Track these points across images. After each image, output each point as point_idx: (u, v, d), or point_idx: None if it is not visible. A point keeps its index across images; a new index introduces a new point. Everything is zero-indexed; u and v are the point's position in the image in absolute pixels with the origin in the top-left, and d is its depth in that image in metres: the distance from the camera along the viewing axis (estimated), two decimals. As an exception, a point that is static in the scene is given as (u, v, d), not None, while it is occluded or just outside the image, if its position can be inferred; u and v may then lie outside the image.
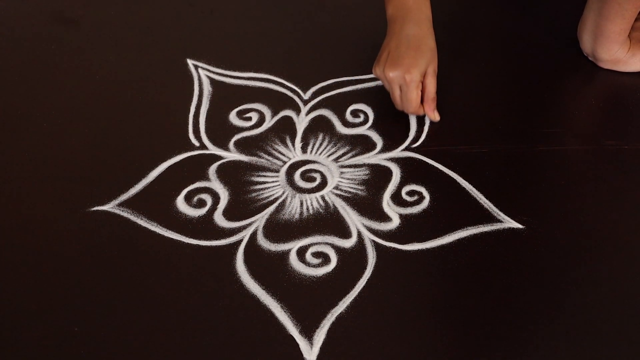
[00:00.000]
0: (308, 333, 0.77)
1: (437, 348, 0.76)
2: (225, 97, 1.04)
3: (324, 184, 0.92)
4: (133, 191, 0.91)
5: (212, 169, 0.94)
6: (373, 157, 0.95)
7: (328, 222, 0.88)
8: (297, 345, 0.76)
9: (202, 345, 0.76)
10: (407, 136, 0.98)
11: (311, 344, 0.76)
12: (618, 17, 0.99)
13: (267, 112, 1.02)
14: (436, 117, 0.99)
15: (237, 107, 1.02)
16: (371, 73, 1.01)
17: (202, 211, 0.89)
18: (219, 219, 0.88)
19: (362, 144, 0.97)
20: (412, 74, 0.94)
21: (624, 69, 1.07)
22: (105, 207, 0.89)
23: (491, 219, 0.88)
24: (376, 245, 0.85)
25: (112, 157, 0.95)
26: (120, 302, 0.80)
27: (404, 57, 0.94)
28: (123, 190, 0.91)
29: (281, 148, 0.97)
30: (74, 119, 1.01)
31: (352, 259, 0.84)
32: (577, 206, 0.89)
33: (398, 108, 0.99)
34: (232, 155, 0.96)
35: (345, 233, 0.86)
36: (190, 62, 1.09)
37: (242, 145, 0.97)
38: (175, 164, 0.94)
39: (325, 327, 0.77)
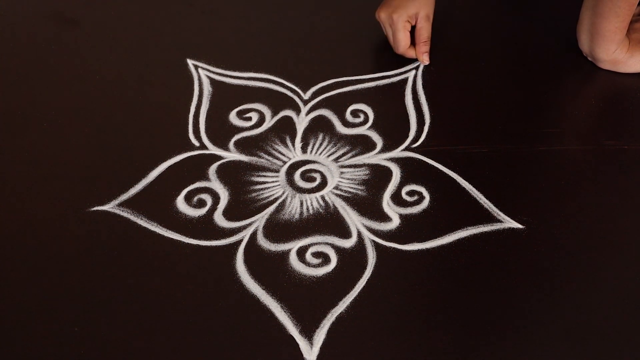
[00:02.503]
0: (308, 333, 0.77)
1: (437, 348, 0.76)
2: (225, 97, 1.04)
3: (324, 184, 0.92)
4: (133, 191, 0.91)
5: (212, 169, 0.94)
6: (373, 157, 0.95)
7: (328, 222, 0.88)
8: (297, 345, 0.76)
9: (202, 345, 0.76)
10: (407, 136, 0.98)
11: (311, 344, 0.76)
12: (612, 15, 0.99)
13: (267, 112, 1.02)
14: (425, 59, 1.07)
15: (237, 107, 1.02)
16: (371, 73, 1.01)
17: (202, 211, 0.89)
18: (219, 219, 0.88)
19: (362, 144, 0.97)
20: (398, 14, 1.04)
21: (624, 70, 1.06)
22: (105, 207, 0.89)
23: (491, 219, 0.88)
24: (376, 245, 0.85)
25: (112, 157, 0.95)
26: (120, 302, 0.80)
27: (395, 0, 1.05)
28: (123, 190, 0.91)
29: (281, 148, 0.97)
30: (74, 119, 1.01)
31: (352, 259, 0.84)
32: (577, 206, 0.89)
33: (394, 51, 1.08)
34: (232, 155, 0.96)
35: (345, 233, 0.86)
36: (190, 62, 1.09)
37: (242, 145, 0.97)
38: (175, 164, 0.94)
39: (325, 327, 0.77)
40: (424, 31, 1.06)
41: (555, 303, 0.79)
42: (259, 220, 0.88)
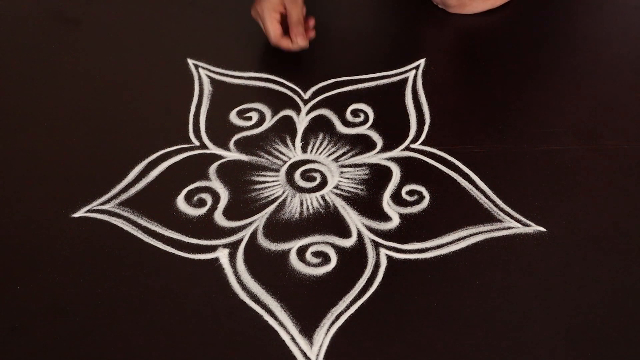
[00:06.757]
0: (308, 332, 0.77)
1: (437, 347, 0.76)
2: (226, 97, 1.04)
3: (324, 183, 0.92)
4: (133, 191, 0.91)
5: (213, 169, 0.94)
6: (373, 157, 0.95)
7: (328, 221, 0.88)
8: (297, 344, 0.76)
9: (200, 345, 0.76)
10: (407, 136, 0.98)
11: (311, 343, 0.76)
12: None
13: (267, 111, 1.02)
14: (302, 42, 1.05)
15: (237, 106, 1.02)
16: (371, 73, 1.01)
17: (202, 211, 0.89)
18: (219, 218, 0.88)
19: (362, 144, 0.97)
20: (262, 4, 1.03)
21: (470, 11, 1.15)
22: (106, 207, 0.89)
23: (491, 218, 0.88)
24: (376, 245, 0.85)
25: (112, 157, 0.95)
26: (119, 302, 0.80)
27: None
28: (123, 190, 0.91)
29: (281, 147, 0.97)
30: (74, 118, 1.01)
31: (352, 259, 0.84)
32: (577, 206, 0.89)
33: (271, 44, 1.06)
34: (232, 154, 0.96)
35: (345, 233, 0.86)
36: (190, 61, 1.09)
37: (242, 145, 0.97)
38: (175, 163, 0.94)
39: (325, 326, 0.77)
40: (293, 13, 1.04)
41: (554, 302, 0.79)
42: (259, 220, 0.88)
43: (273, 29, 1.04)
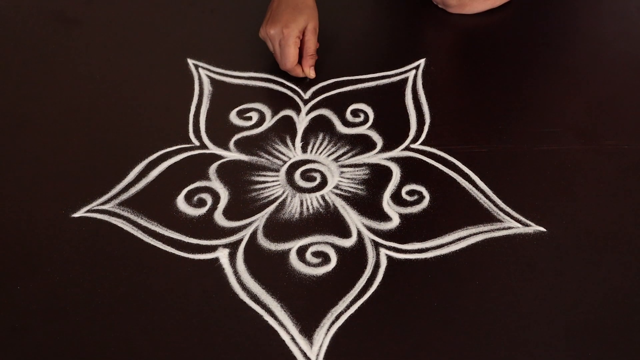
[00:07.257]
0: (308, 332, 0.77)
1: (437, 347, 0.76)
2: (226, 97, 1.04)
3: (324, 183, 0.92)
4: (133, 191, 0.91)
5: (213, 169, 0.94)
6: (373, 157, 0.95)
7: (328, 221, 0.88)
8: (297, 344, 0.76)
9: (200, 345, 0.76)
10: (407, 136, 0.98)
11: (311, 343, 0.76)
12: None
13: (267, 111, 1.02)
14: (311, 73, 1.04)
15: (237, 106, 1.02)
16: (371, 73, 1.01)
17: (202, 210, 0.89)
18: (219, 218, 0.88)
19: (362, 144, 0.97)
20: (290, 29, 1.00)
21: (470, 11, 1.16)
22: (106, 207, 0.89)
23: (491, 218, 0.88)
24: (376, 245, 0.85)
25: (112, 157, 0.96)
26: (119, 302, 0.80)
27: (282, 15, 1.01)
28: (123, 190, 0.91)
29: (281, 148, 0.97)
30: (74, 118, 1.01)
31: (352, 259, 0.84)
32: (577, 206, 0.89)
33: (281, 67, 1.04)
34: (232, 154, 0.96)
35: (345, 232, 0.86)
36: (190, 61, 1.09)
37: (242, 145, 0.97)
38: (175, 163, 0.94)
39: (325, 326, 0.77)
40: (311, 44, 1.03)
41: (554, 302, 0.79)
42: (259, 220, 0.88)
43: (294, 56, 1.02)
